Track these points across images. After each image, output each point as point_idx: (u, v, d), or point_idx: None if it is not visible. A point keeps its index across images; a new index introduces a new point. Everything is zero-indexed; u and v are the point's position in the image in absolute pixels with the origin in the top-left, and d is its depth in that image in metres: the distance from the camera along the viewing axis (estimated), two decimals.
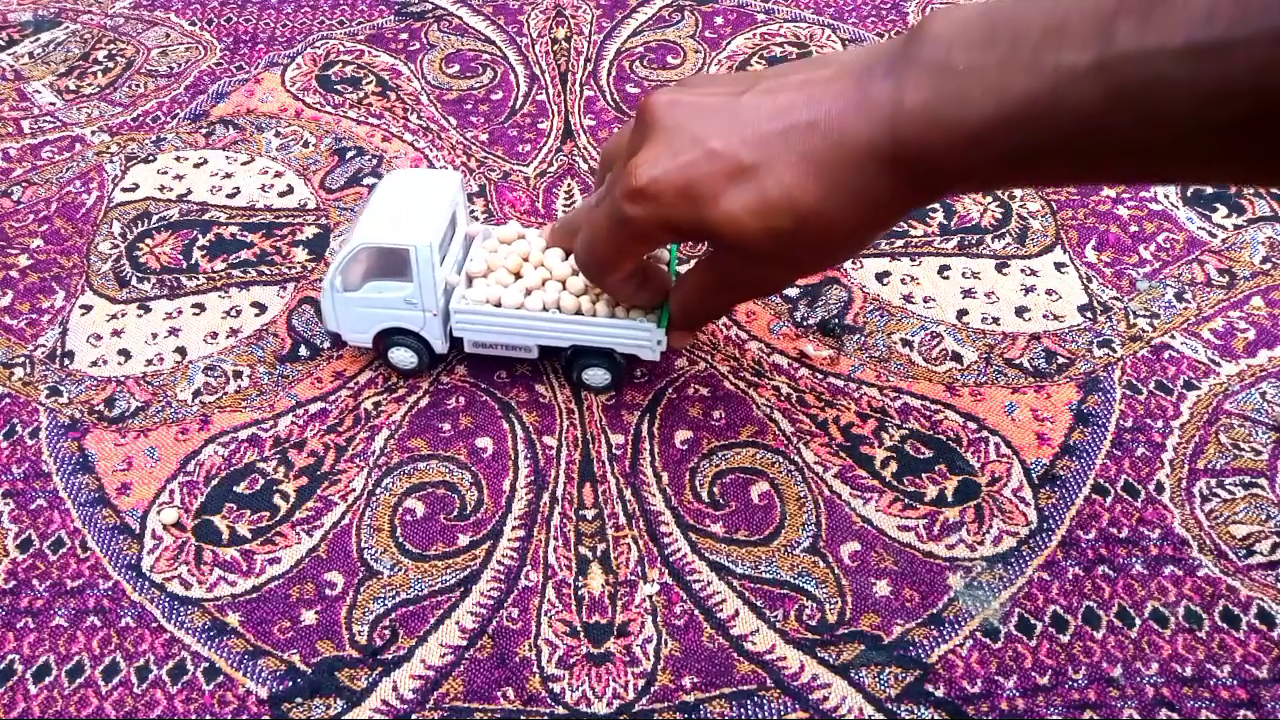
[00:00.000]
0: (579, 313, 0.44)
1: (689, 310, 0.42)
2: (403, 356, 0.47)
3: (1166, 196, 0.56)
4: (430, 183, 0.46)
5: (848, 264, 0.53)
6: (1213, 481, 0.43)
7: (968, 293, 0.51)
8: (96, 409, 0.47)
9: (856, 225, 0.33)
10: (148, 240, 0.56)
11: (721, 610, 0.39)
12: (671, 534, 0.41)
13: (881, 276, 0.52)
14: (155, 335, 0.50)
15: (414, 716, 0.36)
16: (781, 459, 0.44)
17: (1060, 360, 0.48)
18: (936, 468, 0.44)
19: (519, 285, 0.45)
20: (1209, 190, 0.56)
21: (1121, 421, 0.45)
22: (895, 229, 0.55)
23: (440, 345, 0.46)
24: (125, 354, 0.50)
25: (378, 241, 0.43)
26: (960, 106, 0.29)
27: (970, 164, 0.30)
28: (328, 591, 0.40)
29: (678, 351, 0.48)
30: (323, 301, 0.46)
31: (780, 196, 0.33)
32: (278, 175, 0.60)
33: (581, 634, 0.38)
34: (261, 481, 0.44)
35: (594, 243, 0.39)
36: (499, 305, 0.44)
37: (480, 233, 0.47)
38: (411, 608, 0.39)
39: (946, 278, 0.52)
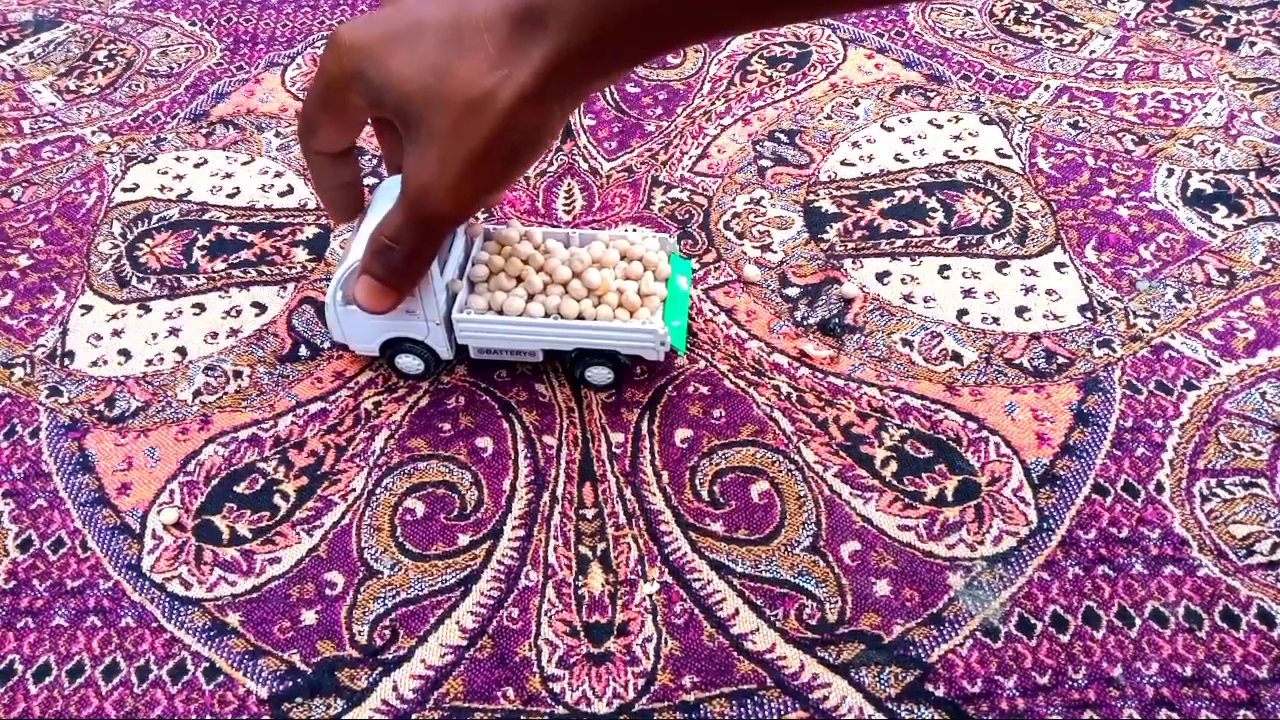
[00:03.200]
0: (581, 317, 0.44)
1: (394, 248, 0.40)
2: (410, 363, 0.47)
3: (1166, 197, 0.56)
4: None
5: (848, 263, 0.53)
6: (1213, 481, 0.43)
7: (968, 293, 0.51)
8: (96, 409, 0.47)
9: (495, 87, 0.35)
10: (148, 240, 0.56)
11: (721, 609, 0.39)
12: (671, 533, 0.41)
13: (882, 276, 0.52)
14: (155, 335, 0.50)
15: (414, 716, 0.36)
16: (781, 458, 0.44)
17: (1060, 360, 0.48)
18: (936, 467, 0.44)
19: (521, 290, 0.45)
20: (1209, 190, 0.56)
21: (1121, 421, 0.45)
22: (895, 229, 0.55)
23: (446, 352, 0.46)
24: (125, 354, 0.50)
25: None
26: None
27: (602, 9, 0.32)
28: (328, 591, 0.40)
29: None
30: (327, 314, 0.46)
31: (432, 52, 0.35)
32: (278, 175, 0.60)
33: (581, 633, 0.38)
34: (261, 481, 0.44)
35: (304, 103, 0.40)
36: (501, 312, 0.44)
37: (481, 233, 0.47)
38: (411, 607, 0.39)
39: (946, 278, 0.52)
